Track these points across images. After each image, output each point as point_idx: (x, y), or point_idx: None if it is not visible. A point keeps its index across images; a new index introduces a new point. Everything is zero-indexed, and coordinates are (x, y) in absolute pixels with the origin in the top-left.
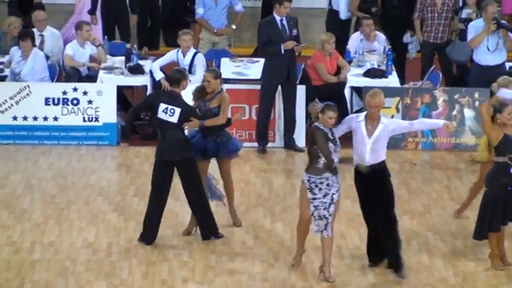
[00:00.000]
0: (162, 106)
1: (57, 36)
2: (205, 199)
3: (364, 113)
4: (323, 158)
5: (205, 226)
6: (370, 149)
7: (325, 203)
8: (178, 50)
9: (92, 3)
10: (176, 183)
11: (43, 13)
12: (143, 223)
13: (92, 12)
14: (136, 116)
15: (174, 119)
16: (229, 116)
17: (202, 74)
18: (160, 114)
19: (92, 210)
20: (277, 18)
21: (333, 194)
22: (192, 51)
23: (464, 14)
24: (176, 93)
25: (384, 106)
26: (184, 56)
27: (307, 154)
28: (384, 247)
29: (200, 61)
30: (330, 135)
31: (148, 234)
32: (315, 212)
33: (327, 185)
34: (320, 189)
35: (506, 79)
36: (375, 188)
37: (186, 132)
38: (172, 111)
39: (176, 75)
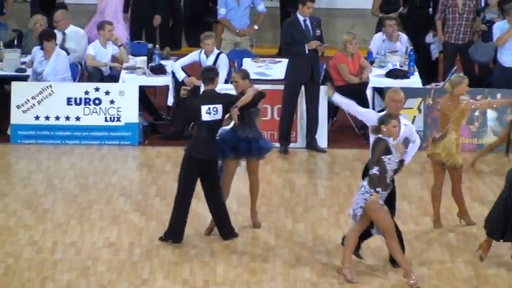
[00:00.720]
0: (204, 108)
1: (81, 34)
2: (223, 201)
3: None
4: (389, 173)
5: (223, 227)
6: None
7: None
8: (201, 51)
9: (125, 2)
10: (198, 183)
11: (60, 13)
12: (170, 221)
13: (125, 10)
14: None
15: (219, 116)
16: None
17: (225, 74)
18: (205, 116)
19: (114, 210)
20: (301, 18)
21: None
22: (216, 52)
23: (488, 16)
24: (212, 91)
25: (406, 107)
26: (207, 57)
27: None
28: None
29: (224, 61)
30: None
31: (177, 233)
32: None
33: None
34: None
35: (459, 77)
36: None
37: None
38: (215, 109)
39: (210, 73)
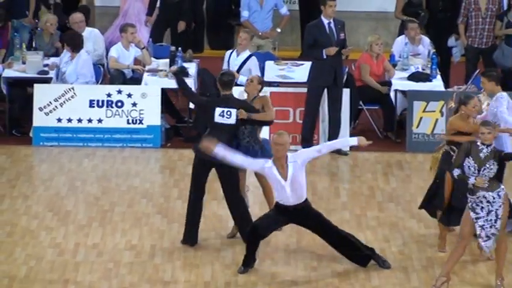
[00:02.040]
0: (218, 110)
1: (96, 33)
2: (244, 202)
3: (270, 160)
4: (471, 178)
5: (245, 230)
6: (290, 191)
7: (491, 220)
8: (233, 50)
9: (150, 5)
10: (219, 186)
11: (79, 15)
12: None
13: (149, 13)
14: (193, 94)
15: (232, 120)
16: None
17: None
18: (218, 119)
19: (136, 212)
20: (325, 21)
21: (496, 209)
22: (247, 53)
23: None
24: (230, 95)
25: (428, 110)
26: (237, 55)
27: None
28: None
29: (255, 64)
30: (481, 153)
31: (190, 235)
32: (482, 233)
33: (487, 202)
34: (482, 207)
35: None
36: (303, 224)
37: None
38: (228, 113)
39: (229, 78)
